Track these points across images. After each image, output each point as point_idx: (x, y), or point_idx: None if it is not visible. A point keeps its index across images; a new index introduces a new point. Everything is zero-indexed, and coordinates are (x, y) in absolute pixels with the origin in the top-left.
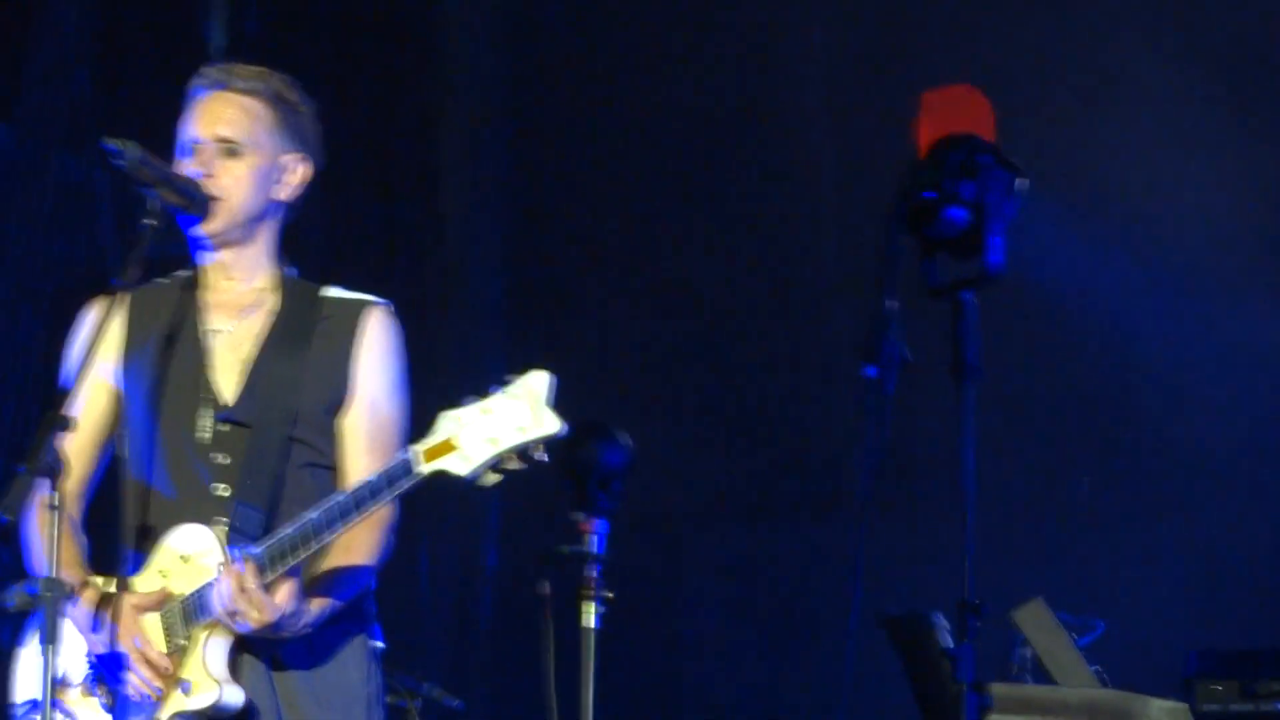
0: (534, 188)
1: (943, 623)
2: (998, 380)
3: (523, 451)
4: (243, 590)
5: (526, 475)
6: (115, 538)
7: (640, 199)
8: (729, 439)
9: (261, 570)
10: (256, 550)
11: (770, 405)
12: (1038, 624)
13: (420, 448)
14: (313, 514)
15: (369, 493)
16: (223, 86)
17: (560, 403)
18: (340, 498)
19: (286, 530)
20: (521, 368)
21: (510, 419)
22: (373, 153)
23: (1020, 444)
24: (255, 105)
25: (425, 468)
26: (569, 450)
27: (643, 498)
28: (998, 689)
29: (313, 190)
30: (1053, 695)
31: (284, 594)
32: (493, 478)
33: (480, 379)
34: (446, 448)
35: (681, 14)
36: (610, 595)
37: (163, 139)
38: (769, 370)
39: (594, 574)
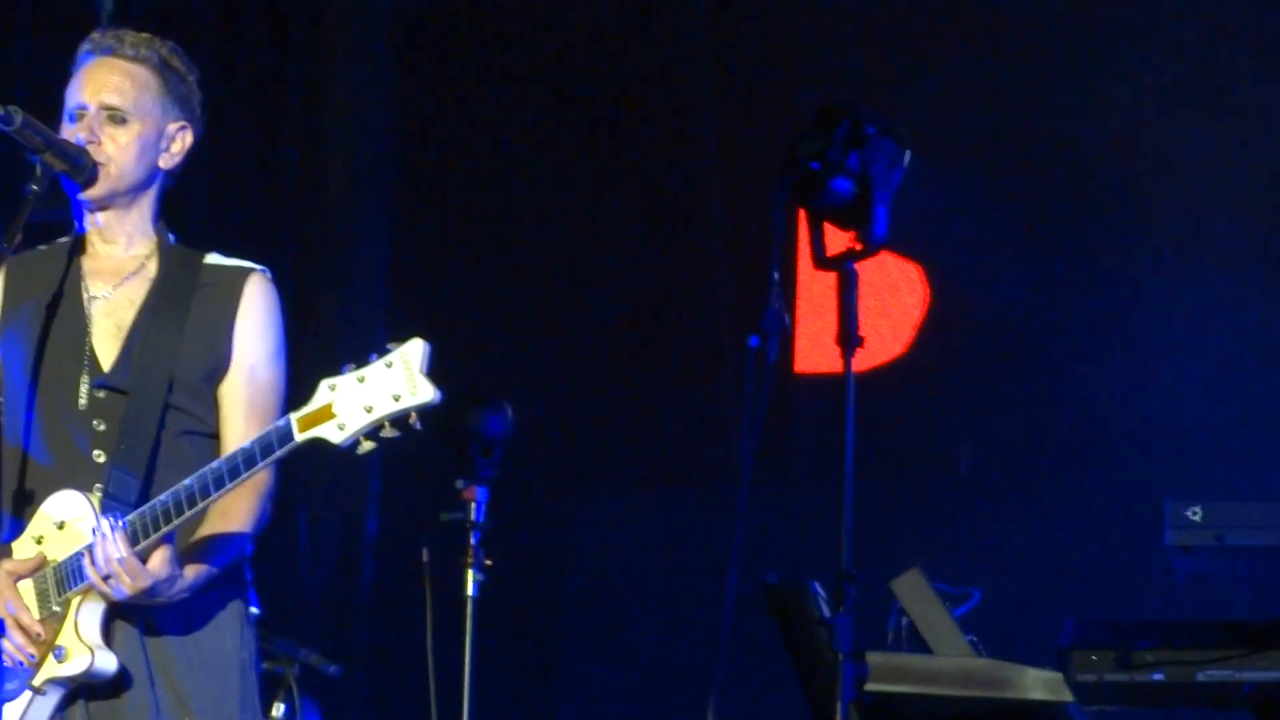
0: (417, 154)
1: (820, 591)
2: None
3: (398, 420)
4: (116, 557)
5: (409, 442)
6: None
7: (524, 166)
8: (612, 407)
9: (135, 537)
10: (131, 517)
11: (653, 374)
12: (914, 593)
13: (296, 415)
14: (188, 481)
15: (243, 460)
16: (110, 52)
17: (442, 371)
18: (215, 465)
19: (162, 497)
20: (401, 336)
21: (386, 387)
22: (257, 119)
23: (900, 412)
24: (142, 73)
25: (301, 435)
26: (451, 418)
27: (524, 466)
28: (874, 658)
29: (196, 157)
30: (928, 664)
31: (158, 561)
32: (368, 445)
33: (362, 347)
34: (323, 415)
35: None
36: (490, 563)
37: (50, 105)
38: (653, 338)
39: (474, 542)
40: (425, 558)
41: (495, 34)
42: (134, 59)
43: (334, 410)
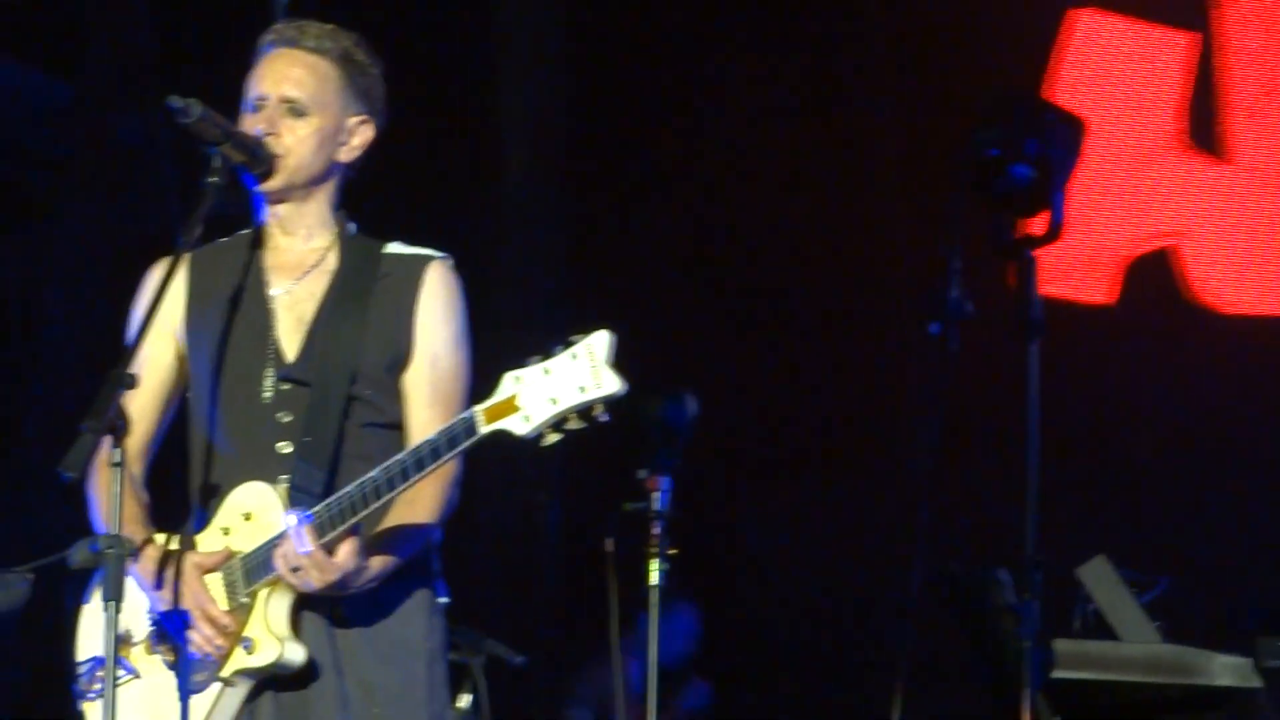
0: (594, 141)
1: (1006, 579)
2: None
3: (583, 411)
4: (303, 550)
5: (591, 432)
6: (180, 496)
7: (703, 152)
8: (794, 395)
9: (322, 529)
10: (317, 509)
11: (835, 362)
12: (1101, 580)
13: (481, 407)
14: (374, 472)
15: (429, 452)
16: (292, 44)
17: (623, 359)
18: (401, 457)
19: (347, 489)
20: (584, 326)
21: (571, 379)
22: (432, 107)
23: (1085, 399)
24: (323, 65)
25: (485, 428)
26: (634, 407)
27: (707, 454)
28: (1061, 645)
29: (375, 147)
30: (1115, 651)
31: (345, 552)
32: (553, 437)
33: (541, 335)
34: (508, 407)
35: None
36: (674, 552)
37: (227, 97)
38: (833, 326)
39: (658, 531)
40: (609, 547)
41: (670, 18)
42: (315, 51)
43: (519, 402)
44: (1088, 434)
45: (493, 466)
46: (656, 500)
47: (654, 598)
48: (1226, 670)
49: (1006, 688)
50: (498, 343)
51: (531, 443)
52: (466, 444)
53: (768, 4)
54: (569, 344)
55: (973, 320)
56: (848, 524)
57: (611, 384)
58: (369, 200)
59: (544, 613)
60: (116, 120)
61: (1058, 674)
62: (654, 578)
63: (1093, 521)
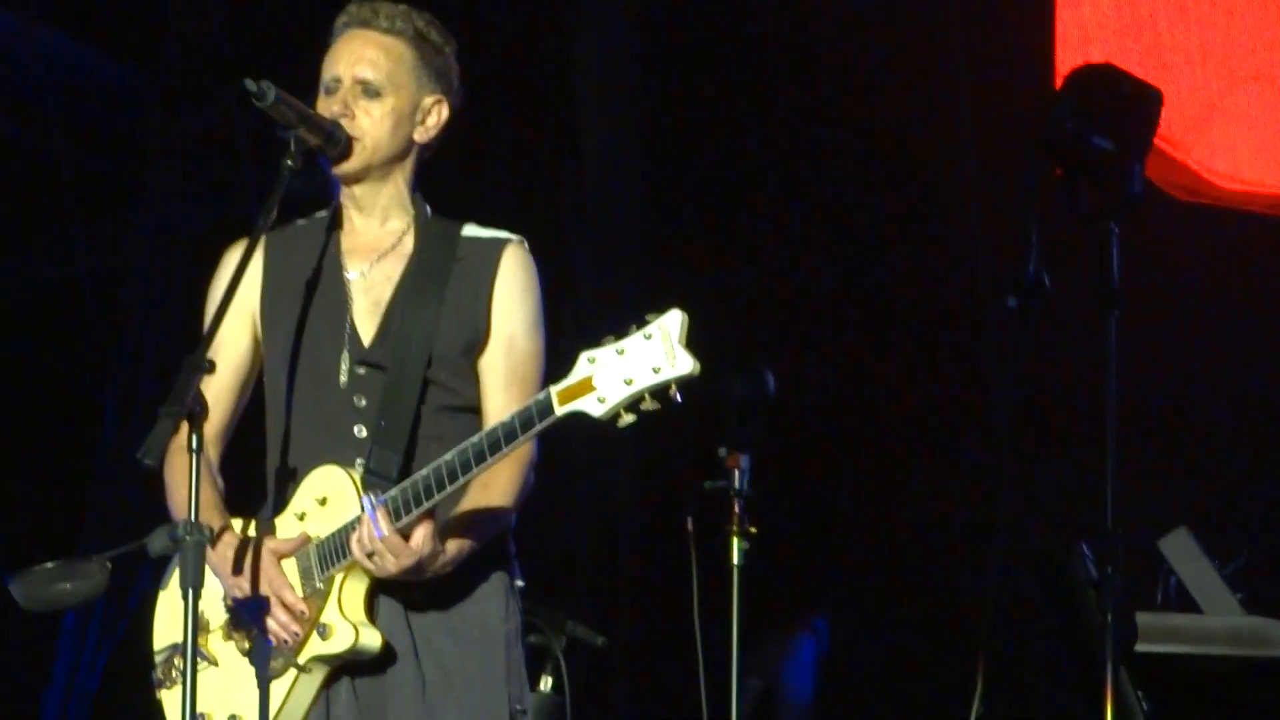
0: (671, 120)
1: (1088, 553)
2: (1142, 306)
3: (658, 392)
4: (379, 535)
5: (668, 412)
6: (255, 480)
7: (780, 131)
8: (871, 371)
9: (397, 513)
10: (392, 493)
11: (912, 337)
12: (1182, 553)
13: (556, 389)
14: (448, 456)
15: (504, 434)
16: (365, 25)
17: (700, 338)
18: (475, 439)
19: (422, 472)
20: (658, 306)
21: (646, 359)
22: (509, 87)
23: (1164, 371)
24: (397, 45)
25: (561, 409)
26: (713, 386)
27: (786, 432)
28: (1143, 618)
29: (455, 127)
30: (1198, 624)
31: (420, 536)
32: (628, 418)
33: (618, 315)
34: (583, 388)
35: None
36: (754, 530)
37: (302, 80)
38: (911, 301)
39: (738, 509)
40: (690, 526)
41: (748, 2)
42: (389, 31)
43: (594, 383)
44: (1168, 404)
45: (572, 448)
46: (737, 479)
47: (735, 577)
48: None
49: (1089, 661)
50: (575, 324)
51: (606, 423)
52: (541, 425)
53: None
54: (643, 324)
55: (1050, 294)
56: (926, 498)
57: (685, 364)
58: (446, 183)
59: (625, 594)
60: (193, 106)
61: (1140, 647)
62: (735, 557)
63: (1173, 493)
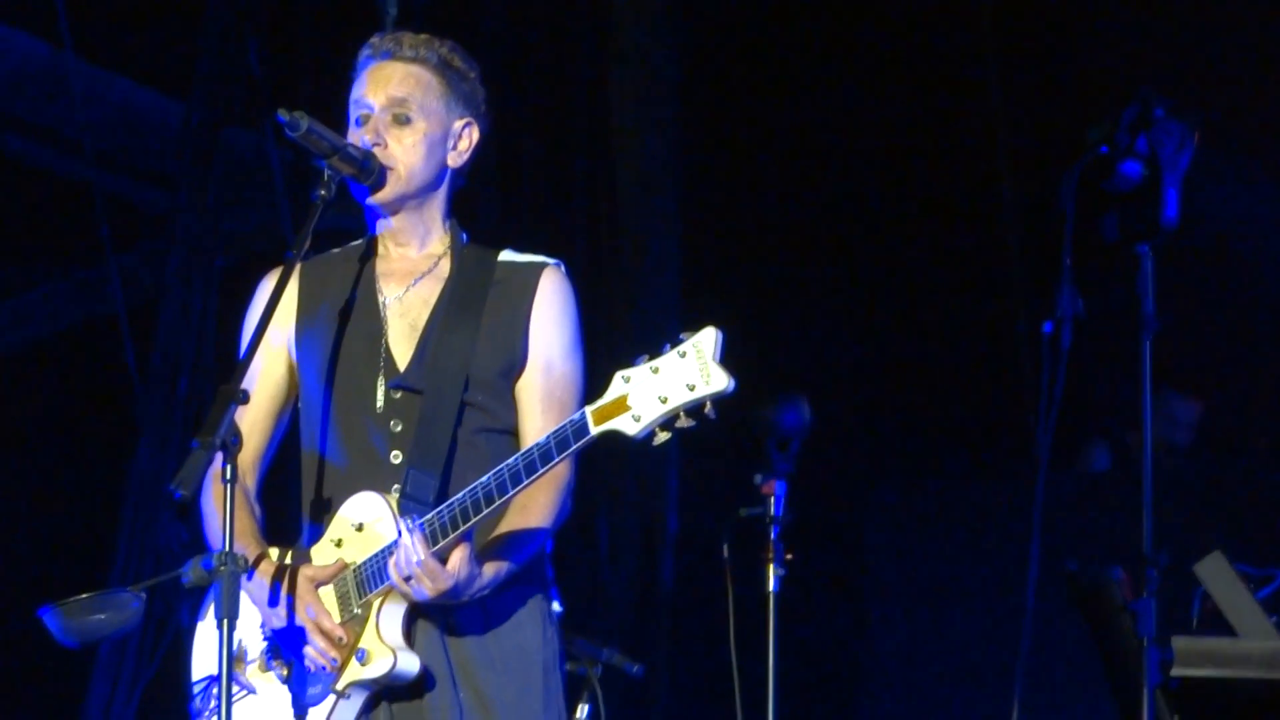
0: (708, 144)
1: (1122, 577)
2: (1174, 332)
3: (693, 409)
4: (415, 560)
5: (707, 437)
6: (293, 508)
7: (813, 159)
8: (908, 397)
9: (434, 537)
10: (428, 517)
11: (948, 362)
12: (1217, 576)
13: (591, 408)
14: (484, 479)
15: (540, 455)
16: (390, 55)
17: (738, 365)
18: (511, 461)
19: (458, 496)
20: (694, 327)
21: (680, 377)
22: (545, 113)
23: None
24: (423, 73)
25: (596, 428)
26: (749, 412)
27: (822, 459)
28: (1179, 642)
29: (486, 153)
30: (1234, 647)
31: (457, 560)
32: (663, 436)
33: (656, 338)
34: (618, 407)
35: None
36: (790, 557)
37: (337, 111)
38: (947, 327)
39: (774, 536)
40: (726, 553)
41: (781, 29)
42: (414, 60)
43: (629, 402)
44: (1204, 429)
45: (610, 473)
46: (772, 505)
47: (771, 604)
48: None
49: (1126, 686)
50: (613, 348)
51: (642, 442)
52: (577, 445)
53: (876, 20)
54: (677, 342)
55: (1084, 319)
56: (964, 523)
57: (720, 380)
58: (485, 208)
59: (661, 621)
60: (228, 135)
61: (1176, 671)
62: (771, 583)
63: (1208, 517)
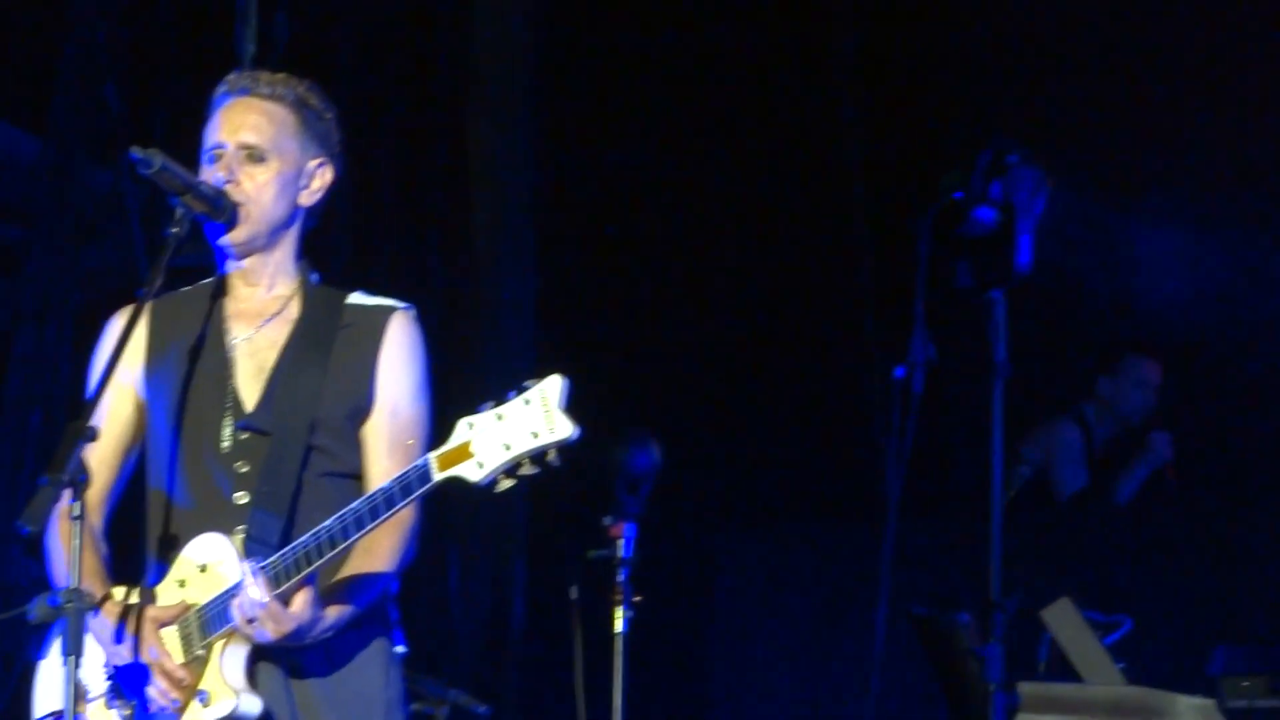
0: (564, 190)
1: (969, 622)
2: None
3: (536, 456)
4: (258, 602)
5: (556, 479)
6: (139, 546)
7: (670, 202)
8: (758, 441)
9: (277, 579)
10: (272, 559)
11: (799, 406)
12: (1064, 622)
13: (435, 454)
14: (328, 522)
15: (383, 500)
16: (246, 92)
17: (589, 407)
18: (355, 505)
19: (302, 539)
20: (546, 372)
21: (525, 424)
22: (402, 156)
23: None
24: (278, 110)
25: (439, 474)
26: (598, 454)
27: (671, 502)
28: (1025, 688)
29: (342, 193)
30: (1080, 693)
31: (300, 603)
32: (507, 483)
33: (513, 378)
34: (461, 454)
35: (710, 18)
36: (639, 599)
37: (194, 149)
38: (797, 371)
39: (623, 578)
40: (574, 595)
41: (639, 68)
42: (270, 97)
43: (472, 449)
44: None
45: (460, 514)
46: (621, 548)
47: (618, 645)
48: (1190, 711)
49: None
50: (467, 389)
51: (486, 489)
52: (420, 491)
53: (736, 62)
54: (522, 389)
55: (936, 364)
56: (813, 567)
57: (564, 428)
58: (337, 248)
59: (510, 662)
60: (84, 172)
61: (1023, 717)
62: (619, 625)
63: (1055, 563)
